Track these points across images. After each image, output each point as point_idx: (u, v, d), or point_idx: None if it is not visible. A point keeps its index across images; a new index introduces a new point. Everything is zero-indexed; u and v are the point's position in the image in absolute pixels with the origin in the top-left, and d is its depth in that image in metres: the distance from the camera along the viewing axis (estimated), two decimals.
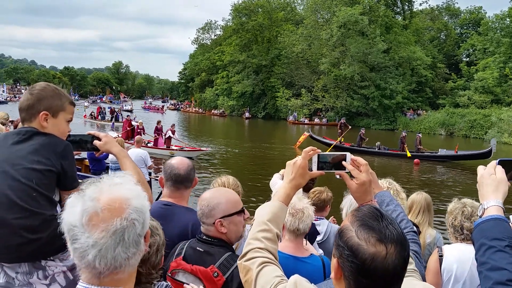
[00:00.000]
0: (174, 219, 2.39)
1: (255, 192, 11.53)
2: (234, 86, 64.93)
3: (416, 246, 1.84)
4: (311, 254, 2.54)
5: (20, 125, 1.86)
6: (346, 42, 49.40)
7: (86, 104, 63.75)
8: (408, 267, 1.47)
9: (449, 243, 2.90)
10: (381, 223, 1.15)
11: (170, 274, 1.99)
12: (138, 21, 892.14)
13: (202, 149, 19.68)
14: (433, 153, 22.04)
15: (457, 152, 20.95)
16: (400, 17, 57.10)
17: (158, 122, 21.10)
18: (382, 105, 48.66)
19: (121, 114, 38.19)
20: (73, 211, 1.08)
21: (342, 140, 24.51)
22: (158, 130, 20.42)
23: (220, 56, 71.17)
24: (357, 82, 49.46)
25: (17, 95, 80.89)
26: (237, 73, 65.75)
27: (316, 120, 52.74)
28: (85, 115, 40.11)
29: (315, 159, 1.64)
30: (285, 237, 2.53)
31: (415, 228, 1.92)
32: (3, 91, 79.86)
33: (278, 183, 3.75)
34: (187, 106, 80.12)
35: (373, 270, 1.10)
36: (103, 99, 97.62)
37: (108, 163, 10.06)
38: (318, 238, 3.43)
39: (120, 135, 20.39)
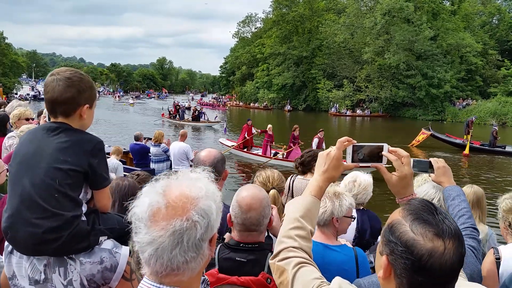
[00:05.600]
0: None
1: None
2: (274, 78, 64.77)
3: (474, 241, 1.75)
4: (343, 244, 2.46)
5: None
6: (391, 30, 47.93)
7: (131, 101, 65.44)
8: None
9: (504, 243, 2.67)
10: (437, 217, 1.08)
11: None
12: (181, 17, 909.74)
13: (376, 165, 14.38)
14: None
15: None
16: (448, 2, 54.60)
17: (295, 129, 15.75)
18: (430, 95, 46.95)
19: (204, 113, 33.75)
20: (143, 202, 1.03)
21: (469, 138, 21.82)
22: (295, 139, 15.66)
23: (260, 49, 71.25)
24: (403, 71, 47.99)
25: None
26: (277, 66, 65.52)
27: (359, 112, 51.74)
28: (163, 113, 36.38)
29: (349, 150, 1.57)
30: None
31: (476, 225, 1.82)
32: None
33: None
34: (228, 100, 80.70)
35: (430, 267, 1.03)
36: (151, 94, 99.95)
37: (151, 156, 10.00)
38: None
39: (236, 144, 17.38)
